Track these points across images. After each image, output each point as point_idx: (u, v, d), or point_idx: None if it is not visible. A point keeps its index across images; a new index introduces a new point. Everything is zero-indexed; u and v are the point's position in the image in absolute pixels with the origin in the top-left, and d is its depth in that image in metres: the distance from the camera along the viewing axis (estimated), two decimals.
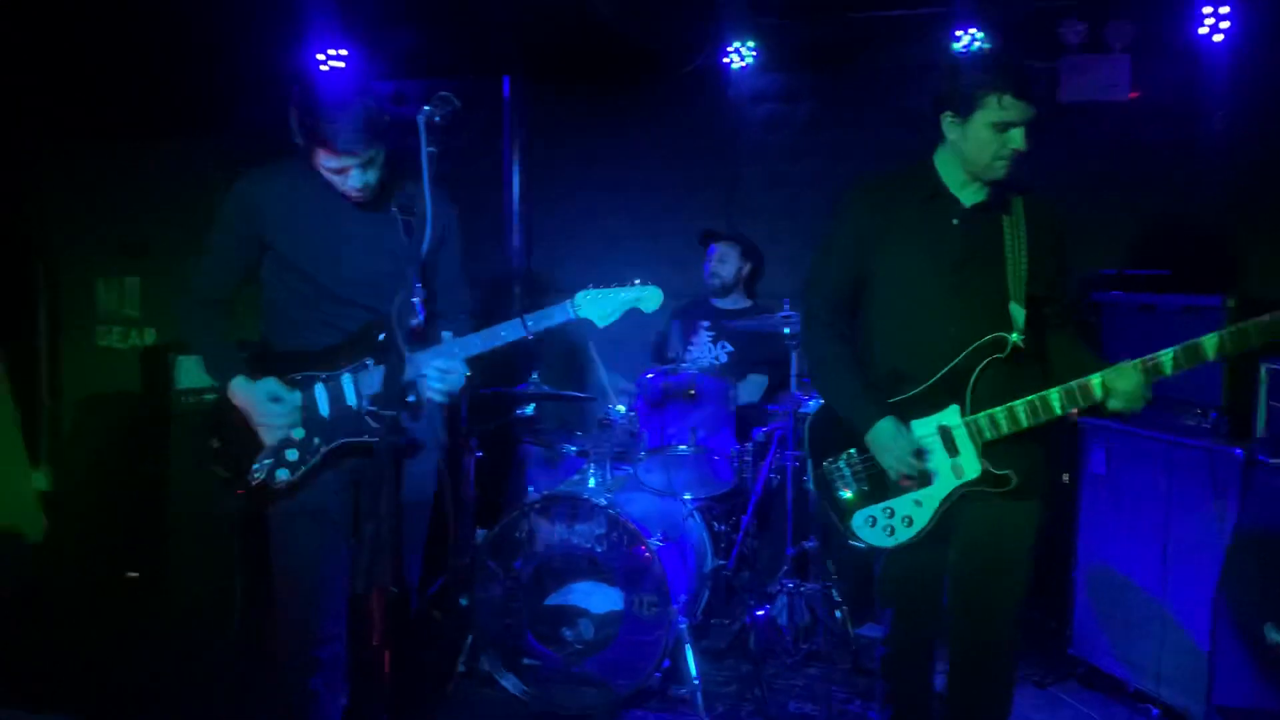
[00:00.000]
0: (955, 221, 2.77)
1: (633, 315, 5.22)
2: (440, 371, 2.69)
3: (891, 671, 3.03)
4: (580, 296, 2.75)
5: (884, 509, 2.82)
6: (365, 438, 2.75)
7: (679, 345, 4.19)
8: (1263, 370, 3.47)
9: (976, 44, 4.88)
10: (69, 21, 4.99)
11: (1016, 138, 2.64)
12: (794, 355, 4.28)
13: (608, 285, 2.76)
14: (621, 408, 4.33)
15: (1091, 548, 4.03)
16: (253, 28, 4.93)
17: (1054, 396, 2.65)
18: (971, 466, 2.74)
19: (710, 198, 5.67)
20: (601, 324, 2.77)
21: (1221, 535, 3.48)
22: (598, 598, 3.95)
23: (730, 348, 4.84)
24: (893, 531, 2.81)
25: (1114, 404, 2.63)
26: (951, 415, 2.74)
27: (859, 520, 2.84)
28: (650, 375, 4.25)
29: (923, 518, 2.78)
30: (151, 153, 5.43)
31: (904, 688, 3.01)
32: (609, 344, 5.67)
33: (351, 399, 2.78)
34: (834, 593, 4.29)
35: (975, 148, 2.68)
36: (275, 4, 5.01)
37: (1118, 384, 2.62)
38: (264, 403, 2.76)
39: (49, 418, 5.55)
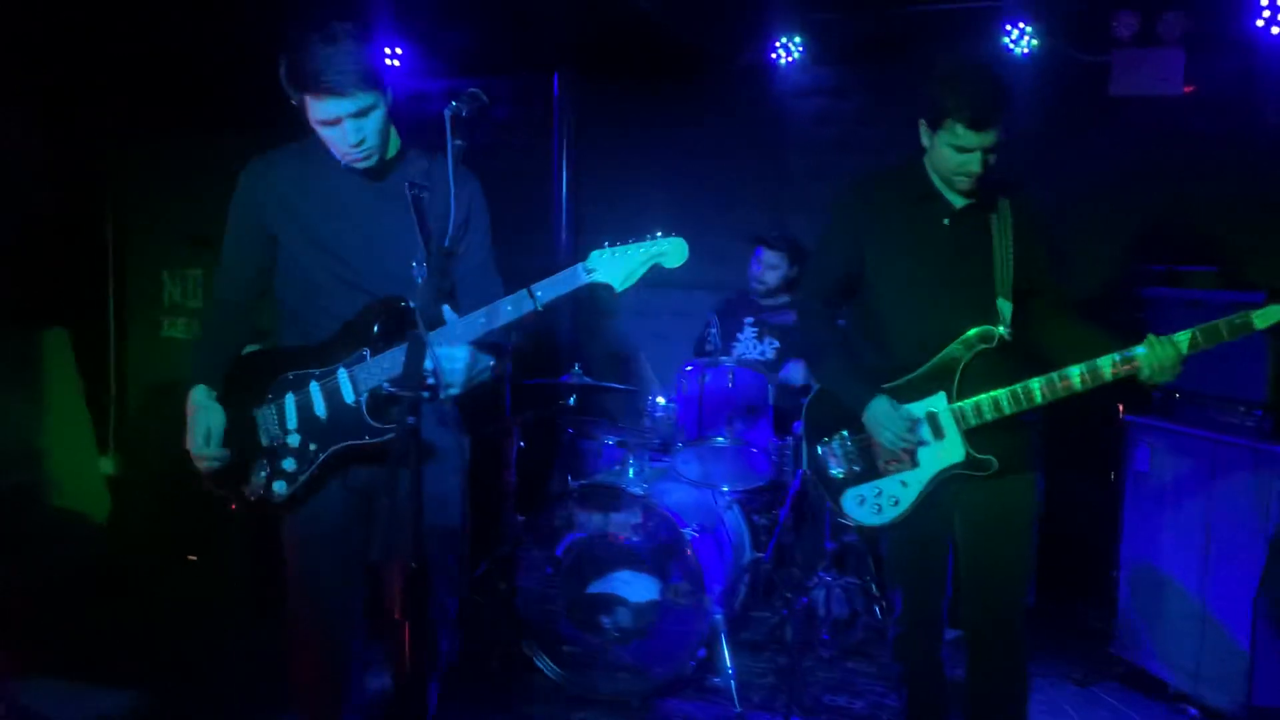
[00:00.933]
0: (946, 222, 2.86)
1: (680, 312, 5.31)
2: (443, 363, 2.38)
3: (903, 652, 3.11)
4: (594, 257, 2.37)
5: (872, 488, 2.94)
6: (366, 439, 2.50)
7: (718, 340, 4.23)
8: None
9: (1026, 39, 4.84)
10: (140, 19, 5.16)
11: (972, 162, 2.70)
12: None
13: (624, 242, 2.38)
14: (661, 400, 4.38)
15: (1135, 546, 3.99)
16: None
17: (1035, 386, 2.74)
18: (955, 451, 2.84)
19: (758, 192, 5.67)
20: (620, 287, 2.38)
21: (1264, 534, 3.44)
22: (636, 586, 4.00)
23: (776, 343, 4.84)
24: (880, 510, 2.93)
25: (1144, 374, 2.64)
26: (939, 401, 2.85)
27: (849, 498, 2.97)
28: (689, 368, 4.29)
29: (908, 498, 2.90)
30: (216, 147, 5.56)
31: (916, 667, 3.09)
32: (654, 338, 5.76)
33: (349, 395, 2.51)
34: (873, 587, 4.30)
35: (939, 160, 2.79)
36: (335, 2, 5.13)
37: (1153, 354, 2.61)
38: (198, 429, 2.57)
39: (116, 405, 5.74)
